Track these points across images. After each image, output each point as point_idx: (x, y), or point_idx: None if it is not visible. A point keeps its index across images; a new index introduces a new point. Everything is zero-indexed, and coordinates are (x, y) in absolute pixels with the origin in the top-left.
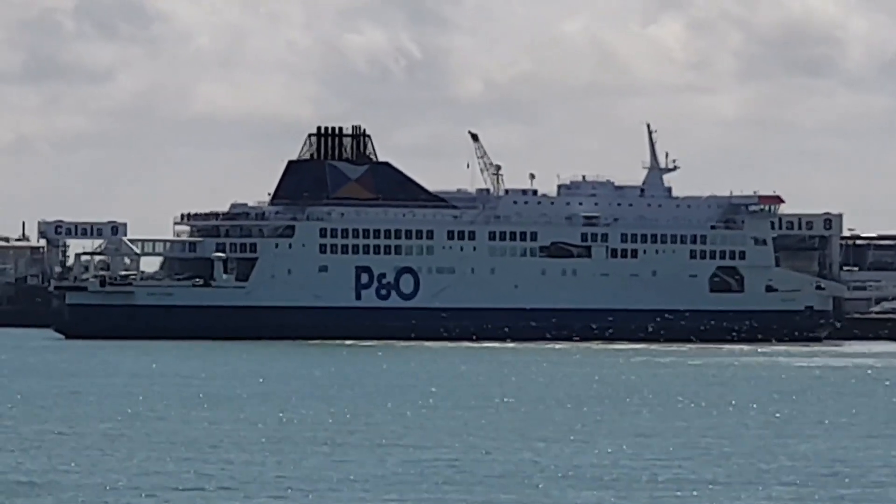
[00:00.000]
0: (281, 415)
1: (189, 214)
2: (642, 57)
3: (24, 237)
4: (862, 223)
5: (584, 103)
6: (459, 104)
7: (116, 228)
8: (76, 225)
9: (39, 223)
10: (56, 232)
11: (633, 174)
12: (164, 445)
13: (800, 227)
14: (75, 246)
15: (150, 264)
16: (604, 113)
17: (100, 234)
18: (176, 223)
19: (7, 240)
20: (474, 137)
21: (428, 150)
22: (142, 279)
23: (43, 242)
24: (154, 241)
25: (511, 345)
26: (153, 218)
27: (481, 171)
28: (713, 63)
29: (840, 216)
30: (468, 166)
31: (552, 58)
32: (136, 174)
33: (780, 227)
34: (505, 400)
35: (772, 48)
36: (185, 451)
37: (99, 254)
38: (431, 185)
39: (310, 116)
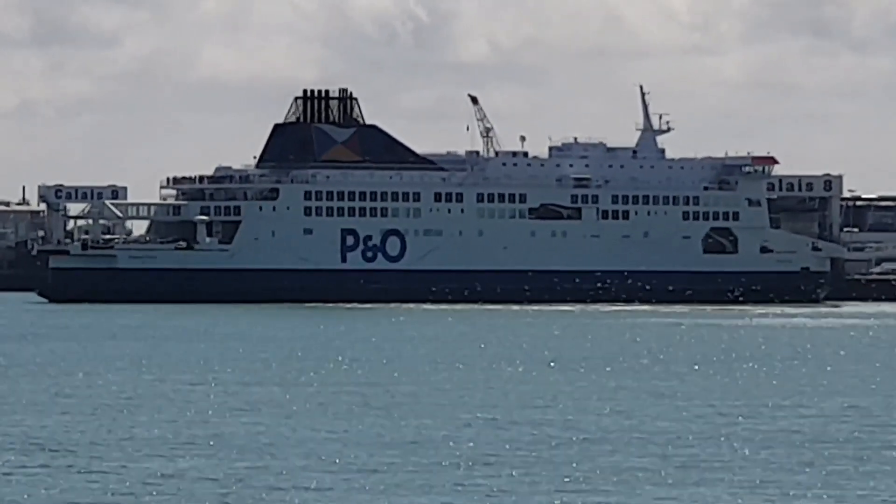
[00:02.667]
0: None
1: (175, 178)
2: (647, 19)
3: (24, 201)
4: (863, 184)
5: (588, 66)
6: (464, 67)
7: (117, 192)
8: (76, 189)
9: (39, 187)
10: (56, 196)
11: (634, 136)
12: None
13: (800, 189)
14: (76, 210)
15: (143, 229)
16: (609, 76)
17: (100, 199)
18: (162, 187)
19: (7, 204)
20: (474, 100)
21: (433, 114)
22: (124, 242)
23: (43, 207)
24: (138, 204)
25: (501, 307)
26: (155, 182)
27: (481, 134)
28: (718, 25)
29: (840, 177)
30: (468, 129)
31: (557, 21)
32: (139, 139)
33: (781, 189)
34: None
35: (776, 10)
36: None
37: (82, 217)
38: (433, 148)
39: (315, 80)
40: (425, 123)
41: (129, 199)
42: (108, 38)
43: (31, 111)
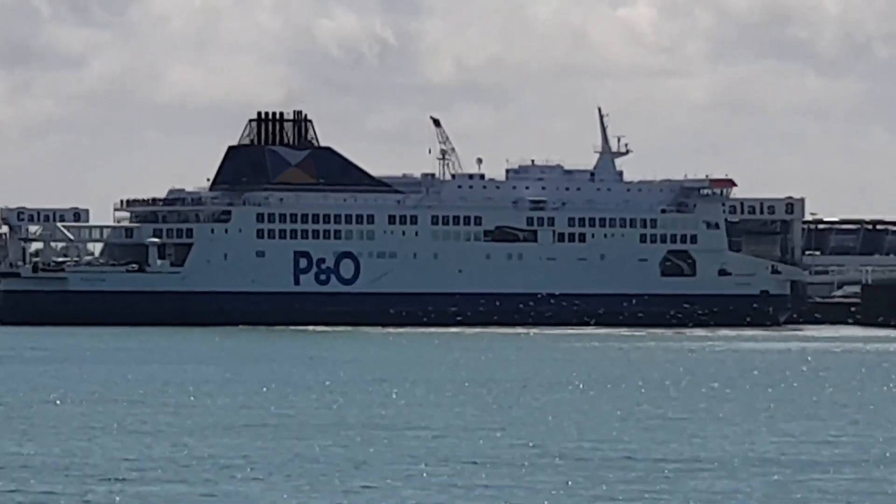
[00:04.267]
0: None
1: (128, 200)
2: (614, 41)
3: None
4: (825, 207)
5: (555, 87)
6: (430, 88)
7: (78, 214)
8: (38, 211)
9: (1, 210)
10: (18, 218)
11: (595, 158)
12: None
13: (761, 212)
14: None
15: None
16: (574, 97)
17: (62, 221)
18: (116, 209)
19: None
20: (436, 122)
21: (398, 136)
22: (76, 265)
23: (5, 229)
24: (91, 227)
25: (456, 329)
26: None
27: (437, 157)
28: (684, 46)
29: (802, 200)
30: (430, 152)
31: (523, 41)
32: (105, 160)
33: (742, 212)
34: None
35: (743, 31)
36: None
37: (34, 240)
38: (397, 171)
39: (280, 101)
40: (390, 146)
41: (91, 222)
42: (75, 58)
43: None
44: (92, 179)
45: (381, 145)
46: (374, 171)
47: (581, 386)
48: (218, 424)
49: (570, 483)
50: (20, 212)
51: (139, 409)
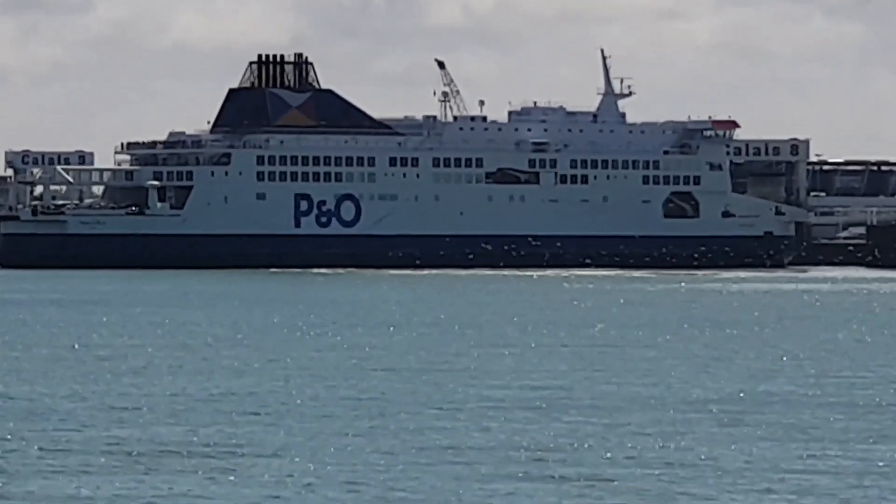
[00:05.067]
0: None
1: (129, 143)
2: None
3: None
4: (830, 149)
5: (561, 31)
6: (437, 32)
7: (83, 158)
8: (43, 154)
9: (6, 153)
10: (23, 162)
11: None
12: None
13: (766, 153)
14: None
15: None
16: (581, 41)
17: (66, 164)
18: (117, 152)
19: None
20: (440, 65)
21: (405, 80)
22: (76, 208)
23: (10, 172)
24: (91, 170)
25: (461, 272)
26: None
27: (439, 99)
28: None
29: (807, 142)
30: (435, 94)
31: None
32: (111, 105)
33: (747, 153)
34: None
35: None
36: None
37: (34, 183)
38: (401, 114)
39: (287, 46)
40: (395, 89)
41: (96, 165)
42: (81, 3)
43: (3, 78)
44: (97, 124)
45: (386, 89)
46: (378, 114)
47: (592, 328)
48: (226, 367)
49: (584, 426)
50: (25, 155)
51: (145, 352)
